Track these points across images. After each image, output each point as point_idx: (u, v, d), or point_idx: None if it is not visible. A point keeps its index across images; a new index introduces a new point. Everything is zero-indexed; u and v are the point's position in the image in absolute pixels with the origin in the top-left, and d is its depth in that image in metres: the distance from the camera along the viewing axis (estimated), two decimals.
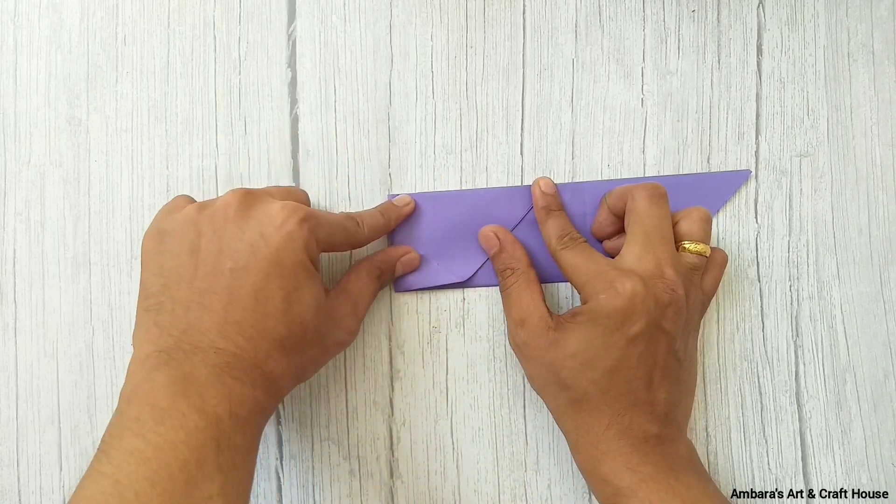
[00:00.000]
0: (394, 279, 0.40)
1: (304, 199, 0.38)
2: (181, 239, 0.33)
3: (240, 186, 0.41)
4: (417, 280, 0.40)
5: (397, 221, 0.40)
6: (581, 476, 0.40)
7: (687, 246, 0.37)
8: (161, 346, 0.31)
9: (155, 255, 0.33)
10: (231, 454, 0.29)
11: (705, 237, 0.37)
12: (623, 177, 0.41)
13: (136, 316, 0.33)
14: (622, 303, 0.34)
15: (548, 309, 0.37)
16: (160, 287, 0.32)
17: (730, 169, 0.41)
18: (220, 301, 0.31)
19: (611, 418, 0.34)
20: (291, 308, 0.32)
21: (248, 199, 0.33)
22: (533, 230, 0.40)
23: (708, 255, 0.37)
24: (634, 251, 0.35)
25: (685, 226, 0.37)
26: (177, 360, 0.30)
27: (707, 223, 0.38)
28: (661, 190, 0.37)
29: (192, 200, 0.35)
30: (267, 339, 0.32)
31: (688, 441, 0.37)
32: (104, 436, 0.29)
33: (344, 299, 0.36)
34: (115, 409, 0.30)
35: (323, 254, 0.38)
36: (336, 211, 0.41)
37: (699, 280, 0.37)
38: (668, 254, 0.35)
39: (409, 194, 0.40)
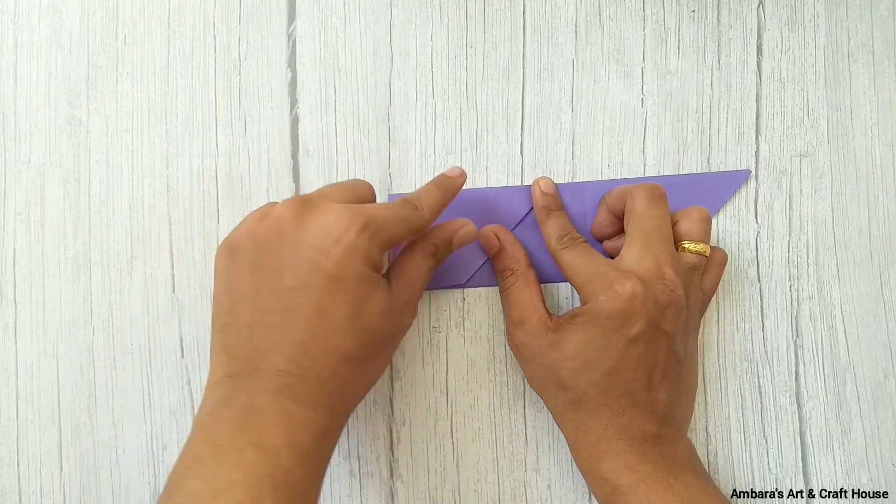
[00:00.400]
0: (448, 256, 0.37)
1: (367, 194, 0.35)
2: (243, 255, 0.32)
3: (239, 186, 0.41)
4: None
5: (455, 193, 0.37)
6: (581, 476, 0.40)
7: (687, 246, 0.37)
8: (230, 370, 0.31)
9: (223, 273, 0.32)
10: (290, 490, 0.28)
11: (705, 237, 0.37)
12: (623, 177, 0.41)
13: (212, 334, 0.33)
14: (622, 304, 0.34)
15: (547, 310, 0.37)
16: (227, 306, 0.32)
17: (730, 169, 0.41)
18: (280, 320, 0.30)
19: (610, 418, 0.34)
20: (357, 321, 0.31)
21: (304, 208, 0.31)
22: (533, 230, 0.40)
23: (708, 254, 0.37)
24: (634, 252, 0.35)
25: (685, 226, 0.37)
26: (241, 386, 0.30)
27: (707, 223, 0.37)
28: (660, 190, 0.37)
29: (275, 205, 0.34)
30: (334, 356, 0.31)
31: (687, 440, 0.37)
32: (172, 473, 0.29)
33: (403, 285, 0.34)
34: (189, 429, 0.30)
35: None
36: None
37: (699, 280, 0.37)
38: (668, 254, 0.35)
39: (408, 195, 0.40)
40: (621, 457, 0.34)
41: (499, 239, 0.39)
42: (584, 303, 0.35)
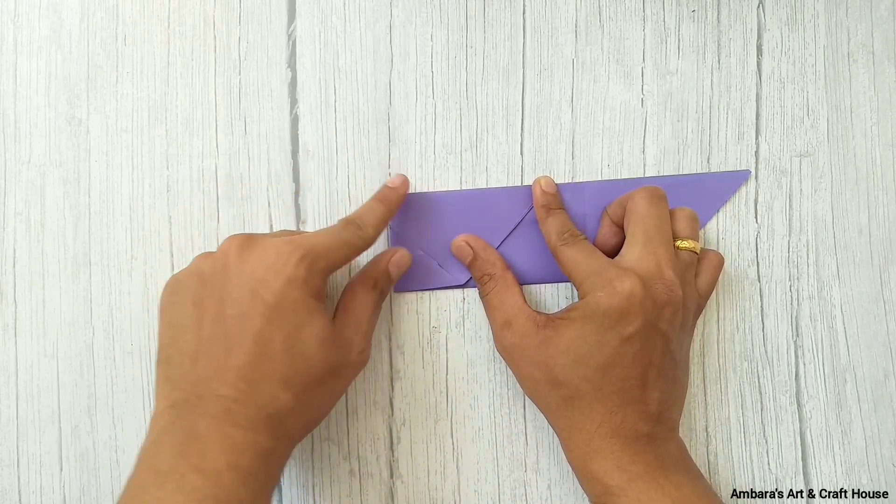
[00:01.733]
0: (392, 283, 0.39)
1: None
2: (187, 290, 0.33)
3: (239, 186, 0.41)
4: (417, 281, 0.40)
5: (398, 203, 0.39)
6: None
7: (679, 244, 0.37)
8: (173, 400, 0.31)
9: (166, 307, 0.34)
10: None
11: (694, 234, 0.38)
12: (623, 177, 0.41)
13: (155, 369, 0.34)
14: (619, 301, 0.34)
15: (532, 309, 0.37)
16: (169, 339, 0.33)
17: (730, 169, 0.41)
18: (221, 348, 0.32)
19: (603, 416, 0.34)
20: (293, 347, 0.32)
21: (246, 243, 0.33)
22: (533, 230, 0.40)
23: (698, 251, 0.38)
24: (635, 251, 0.35)
25: (674, 225, 0.38)
26: (183, 415, 0.31)
27: (694, 221, 0.38)
28: (660, 192, 0.37)
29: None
30: (270, 381, 0.32)
31: (679, 439, 0.37)
32: (119, 501, 0.30)
33: (347, 321, 0.36)
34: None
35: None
36: (335, 212, 0.41)
37: (693, 279, 0.37)
38: (668, 254, 0.35)
39: (410, 194, 0.40)
40: (613, 456, 0.34)
41: (471, 247, 0.39)
42: (582, 298, 0.35)
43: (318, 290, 0.34)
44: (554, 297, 0.41)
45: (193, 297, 0.33)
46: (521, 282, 0.40)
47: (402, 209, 0.40)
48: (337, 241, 0.35)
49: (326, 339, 0.33)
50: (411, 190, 0.41)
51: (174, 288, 0.34)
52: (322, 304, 0.34)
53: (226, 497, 0.29)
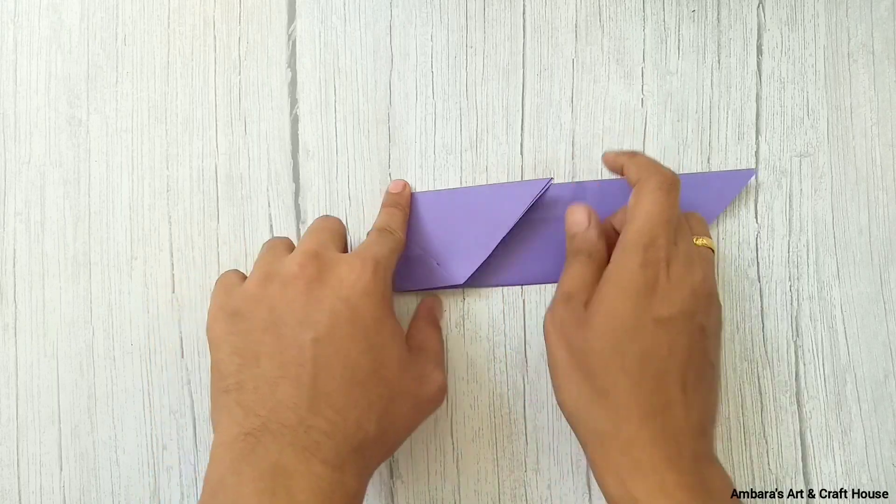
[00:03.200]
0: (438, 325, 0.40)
1: (341, 228, 0.37)
2: (252, 317, 0.32)
3: (239, 186, 0.41)
4: (416, 281, 0.40)
5: (409, 204, 0.40)
6: (584, 477, 0.40)
7: (697, 241, 0.36)
8: (248, 427, 0.30)
9: (227, 336, 0.32)
10: None
11: (708, 234, 0.38)
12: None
13: (212, 398, 0.32)
14: (652, 272, 0.32)
15: None
16: (237, 367, 0.31)
17: (730, 169, 0.41)
18: (307, 373, 0.30)
19: (641, 420, 0.31)
20: (378, 371, 0.31)
21: (316, 265, 0.32)
22: (532, 228, 0.40)
23: (714, 248, 0.37)
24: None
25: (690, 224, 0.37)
26: (264, 444, 0.29)
27: (706, 224, 0.38)
28: (675, 179, 0.35)
29: (242, 276, 0.35)
30: (357, 407, 0.31)
31: (723, 471, 0.32)
32: None
33: (423, 352, 0.36)
34: (199, 492, 0.30)
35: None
36: (335, 212, 0.41)
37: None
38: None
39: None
40: (656, 475, 0.30)
41: (589, 220, 0.36)
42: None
43: (389, 299, 0.34)
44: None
45: (263, 323, 0.32)
46: (522, 282, 0.40)
47: None
48: (387, 249, 0.35)
49: (406, 364, 0.33)
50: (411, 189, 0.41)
51: (230, 317, 0.32)
52: (398, 324, 0.34)
53: None
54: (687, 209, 0.39)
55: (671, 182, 0.34)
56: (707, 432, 0.32)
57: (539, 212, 0.40)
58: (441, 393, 0.35)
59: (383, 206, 0.40)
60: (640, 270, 0.32)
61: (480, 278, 0.41)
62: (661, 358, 0.31)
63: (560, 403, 0.34)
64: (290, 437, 0.29)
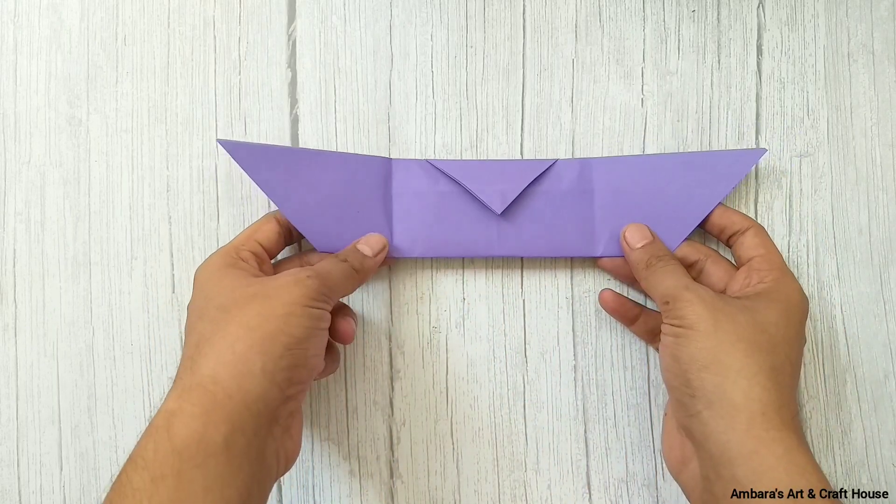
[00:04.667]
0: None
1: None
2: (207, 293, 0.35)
3: (239, 186, 0.40)
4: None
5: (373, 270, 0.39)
6: (583, 477, 0.40)
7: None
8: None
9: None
10: None
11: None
12: None
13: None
14: (802, 298, 0.36)
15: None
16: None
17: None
18: (206, 325, 0.33)
19: (792, 395, 0.34)
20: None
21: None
22: (538, 203, 0.40)
23: None
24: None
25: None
26: (161, 409, 0.32)
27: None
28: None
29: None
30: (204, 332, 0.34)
31: None
32: None
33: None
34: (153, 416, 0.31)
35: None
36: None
37: None
38: None
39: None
40: (807, 449, 0.32)
41: (651, 232, 0.39)
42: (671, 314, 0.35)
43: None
44: (554, 296, 0.41)
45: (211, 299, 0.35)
46: (525, 254, 0.40)
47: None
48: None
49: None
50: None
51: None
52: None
53: None
54: (697, 187, 0.39)
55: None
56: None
57: (544, 184, 0.40)
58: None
59: (343, 259, 0.37)
60: (803, 300, 0.36)
61: (488, 249, 0.40)
62: (801, 346, 0.36)
63: (695, 361, 0.33)
64: (171, 392, 0.31)
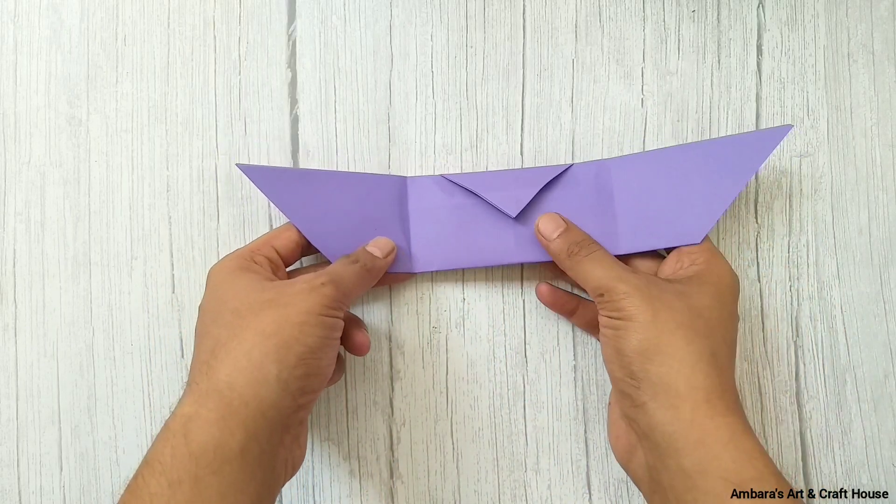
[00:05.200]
0: None
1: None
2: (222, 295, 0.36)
3: (239, 186, 0.41)
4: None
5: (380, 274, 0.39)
6: (583, 477, 0.40)
7: None
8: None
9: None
10: None
11: None
12: None
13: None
14: (733, 279, 0.36)
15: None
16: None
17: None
18: (216, 329, 0.34)
19: (731, 378, 0.34)
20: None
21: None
22: (555, 209, 0.39)
23: None
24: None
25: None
26: (175, 413, 0.32)
27: None
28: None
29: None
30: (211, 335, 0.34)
31: None
32: None
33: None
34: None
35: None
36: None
37: None
38: None
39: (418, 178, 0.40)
40: (748, 426, 0.32)
41: (563, 220, 0.38)
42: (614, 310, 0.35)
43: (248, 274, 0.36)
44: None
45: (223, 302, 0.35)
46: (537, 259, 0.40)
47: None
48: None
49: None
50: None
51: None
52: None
53: None
54: (719, 174, 0.38)
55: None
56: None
57: (561, 189, 0.40)
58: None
59: (356, 260, 0.37)
60: (734, 281, 0.36)
61: (506, 256, 0.40)
62: (734, 329, 0.36)
63: (637, 351, 0.33)
64: (183, 398, 0.32)
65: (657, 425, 0.32)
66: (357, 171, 0.41)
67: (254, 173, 0.37)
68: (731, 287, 0.36)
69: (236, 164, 0.38)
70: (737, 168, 0.37)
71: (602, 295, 0.35)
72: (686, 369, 0.32)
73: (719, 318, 0.34)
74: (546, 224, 0.38)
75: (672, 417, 0.31)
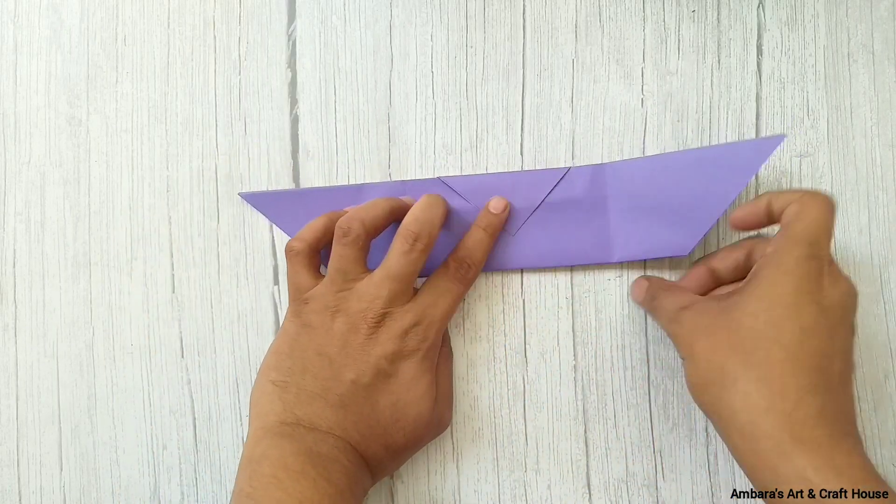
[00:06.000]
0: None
1: (435, 233, 0.37)
2: (314, 337, 0.36)
3: (239, 186, 0.41)
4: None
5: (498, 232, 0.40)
6: (583, 477, 0.40)
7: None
8: (285, 419, 0.35)
9: (294, 337, 0.36)
10: None
11: None
12: None
13: (259, 380, 0.36)
14: (818, 264, 0.31)
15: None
16: (287, 369, 0.36)
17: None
18: (340, 401, 0.35)
19: (798, 395, 0.29)
20: (400, 420, 0.36)
21: (382, 316, 0.35)
22: (550, 213, 0.40)
23: None
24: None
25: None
26: (301, 433, 0.34)
27: None
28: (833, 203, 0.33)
29: (313, 267, 0.38)
30: (375, 442, 0.36)
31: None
32: (243, 486, 0.32)
33: (441, 403, 0.38)
34: (238, 464, 0.34)
35: None
36: None
37: None
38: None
39: (445, 179, 0.40)
40: (823, 452, 0.29)
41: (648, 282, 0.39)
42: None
43: (434, 358, 0.38)
44: (554, 296, 0.41)
45: (320, 348, 0.36)
46: (539, 265, 0.40)
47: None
48: (452, 301, 0.38)
49: (425, 419, 0.36)
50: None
51: (303, 327, 0.36)
52: (433, 380, 0.37)
53: None
54: (713, 182, 0.37)
55: (834, 204, 0.33)
56: (855, 426, 0.31)
57: (557, 194, 0.40)
58: (445, 429, 0.39)
59: (478, 226, 0.39)
60: (805, 259, 0.31)
61: (501, 262, 0.40)
62: (822, 339, 0.30)
63: (697, 387, 0.33)
64: (322, 437, 0.34)
65: (735, 455, 0.32)
66: (357, 171, 0.41)
67: (257, 200, 0.40)
68: (802, 275, 0.31)
69: (239, 194, 0.40)
70: (730, 177, 0.38)
71: (669, 334, 0.36)
72: (738, 399, 0.30)
73: (769, 322, 0.30)
74: (497, 202, 0.39)
75: (751, 450, 0.30)
